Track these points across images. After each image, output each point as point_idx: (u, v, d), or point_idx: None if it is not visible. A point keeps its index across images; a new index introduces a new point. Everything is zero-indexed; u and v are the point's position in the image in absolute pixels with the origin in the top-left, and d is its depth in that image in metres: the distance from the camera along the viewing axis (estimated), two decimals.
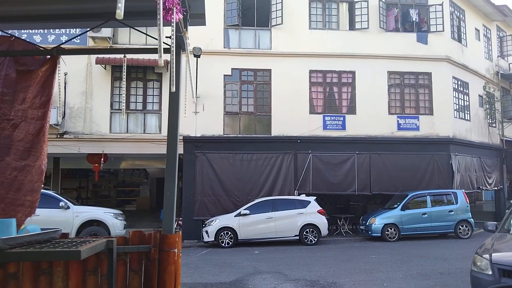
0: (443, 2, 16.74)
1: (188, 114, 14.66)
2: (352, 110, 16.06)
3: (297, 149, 15.41)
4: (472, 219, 14.31)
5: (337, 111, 16.06)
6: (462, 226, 14.14)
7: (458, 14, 18.31)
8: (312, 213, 13.36)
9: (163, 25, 2.50)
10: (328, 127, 15.80)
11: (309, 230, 13.19)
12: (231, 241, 12.83)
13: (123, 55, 3.63)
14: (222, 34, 15.70)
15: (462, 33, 18.43)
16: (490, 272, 5.10)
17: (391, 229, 13.76)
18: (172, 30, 2.64)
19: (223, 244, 12.77)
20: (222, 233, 12.86)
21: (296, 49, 15.80)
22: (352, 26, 16.41)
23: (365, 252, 11.56)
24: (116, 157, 16.10)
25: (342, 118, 15.92)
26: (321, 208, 13.63)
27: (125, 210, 17.71)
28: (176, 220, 14.45)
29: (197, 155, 14.82)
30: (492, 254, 5.22)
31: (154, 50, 2.90)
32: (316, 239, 13.15)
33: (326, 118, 15.84)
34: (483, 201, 24.77)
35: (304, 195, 14.40)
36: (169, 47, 2.81)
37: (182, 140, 14.72)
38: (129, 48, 3.97)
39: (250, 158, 15.16)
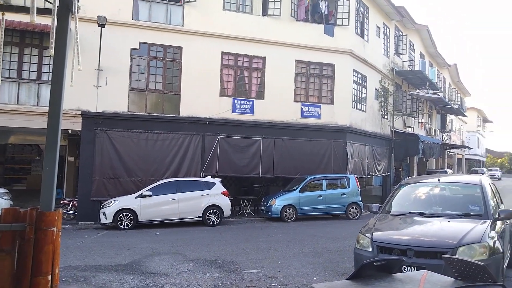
0: None
1: (88, 88, 13.73)
2: (260, 95, 16.39)
3: (205, 131, 15.33)
4: (361, 202, 15.64)
5: (246, 95, 16.26)
6: (353, 208, 15.40)
7: (362, 10, 19.56)
8: (217, 195, 13.49)
9: None
10: (237, 111, 15.95)
11: (213, 211, 13.31)
12: (130, 223, 12.42)
13: (1, 12, 3.22)
14: (131, 5, 14.82)
15: (365, 29, 19.76)
16: (370, 249, 5.57)
17: (289, 210, 14.50)
18: None
19: (122, 226, 12.31)
20: (121, 215, 12.38)
21: (209, 29, 15.55)
22: (265, 12, 16.60)
23: (264, 232, 12.03)
24: (4, 130, 14.51)
25: (251, 103, 16.18)
26: (225, 190, 13.83)
27: (13, 189, 16.14)
28: (71, 200, 13.48)
29: (97, 132, 13.95)
30: (373, 233, 5.71)
31: (39, 10, 2.61)
32: (219, 220, 13.32)
33: (236, 101, 15.97)
34: (373, 186, 27.25)
35: (210, 176, 14.46)
36: (56, 8, 2.56)
37: (80, 116, 13.75)
38: (7, 5, 3.53)
39: (156, 138, 14.72)
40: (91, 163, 13.84)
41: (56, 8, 2.46)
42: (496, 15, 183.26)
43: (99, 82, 14.03)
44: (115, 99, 14.28)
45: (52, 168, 3.00)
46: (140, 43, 14.78)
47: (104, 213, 12.44)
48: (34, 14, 2.02)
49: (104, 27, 13.50)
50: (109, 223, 12.40)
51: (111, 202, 12.68)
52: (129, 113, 14.54)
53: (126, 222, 12.40)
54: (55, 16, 2.43)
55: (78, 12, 2.94)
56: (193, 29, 15.36)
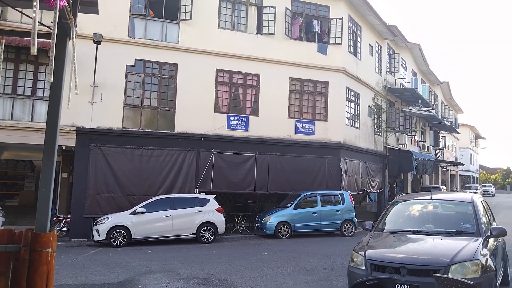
0: (343, 17, 18.03)
1: (83, 104, 13.75)
2: (255, 111, 16.50)
3: (200, 147, 15.36)
4: (355, 219, 15.61)
5: (241, 111, 16.36)
6: (347, 225, 15.37)
7: (355, 29, 19.89)
8: (211, 211, 13.43)
9: (48, 9, 2.32)
10: (231, 127, 16.03)
11: (207, 228, 13.23)
12: (124, 240, 12.32)
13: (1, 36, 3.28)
14: (127, 23, 14.99)
15: (358, 48, 20.07)
16: (364, 267, 5.57)
17: (284, 226, 14.45)
18: (55, 17, 2.46)
19: (115, 244, 12.21)
20: (114, 232, 12.29)
21: (204, 46, 15.73)
22: (259, 30, 16.85)
23: (259, 249, 11.97)
24: None
25: (245, 119, 16.27)
26: (219, 206, 13.77)
27: (5, 205, 15.98)
28: (64, 217, 13.35)
29: (91, 148, 13.93)
30: (367, 251, 5.71)
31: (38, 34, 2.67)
32: (213, 237, 13.24)
33: (231, 117, 16.05)
34: (367, 202, 27.28)
35: (204, 193, 14.42)
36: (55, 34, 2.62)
37: (75, 132, 13.76)
38: (7, 30, 3.59)
39: (151, 154, 14.72)
40: (85, 179, 13.79)
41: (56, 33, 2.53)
42: (488, 31, 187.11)
43: (94, 98, 14.08)
44: (110, 115, 14.32)
45: (47, 189, 3.03)
46: (136, 59, 14.90)
47: (97, 230, 12.35)
48: (35, 46, 2.07)
49: (100, 44, 13.62)
50: (102, 240, 12.29)
51: (105, 219, 12.60)
52: (124, 129, 14.56)
53: (119, 239, 12.30)
54: (54, 42, 2.50)
55: (75, 37, 3.02)
56: (188, 46, 15.53)
